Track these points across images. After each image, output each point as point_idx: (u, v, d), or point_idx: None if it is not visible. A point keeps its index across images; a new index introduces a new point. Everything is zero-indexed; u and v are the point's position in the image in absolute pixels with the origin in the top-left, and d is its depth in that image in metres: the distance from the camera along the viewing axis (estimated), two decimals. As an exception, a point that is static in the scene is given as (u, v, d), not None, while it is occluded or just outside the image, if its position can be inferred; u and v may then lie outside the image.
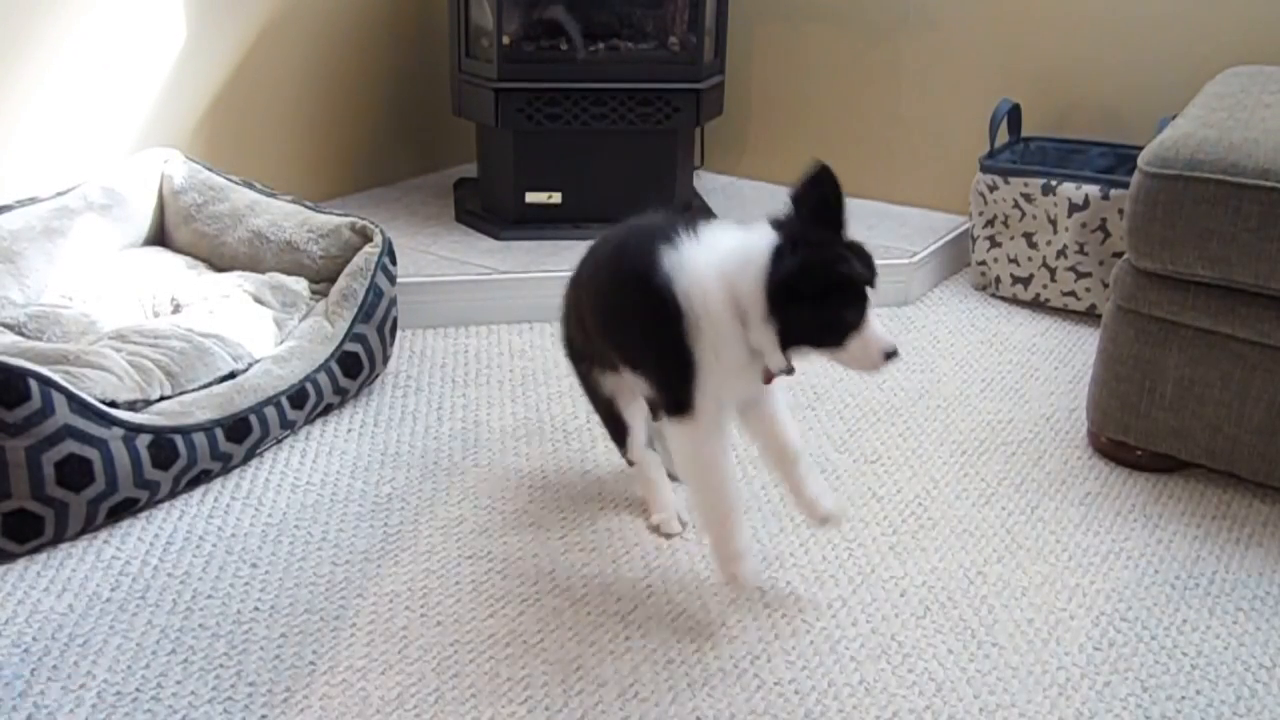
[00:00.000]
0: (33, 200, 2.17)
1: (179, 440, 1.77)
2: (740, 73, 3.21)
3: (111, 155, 2.45)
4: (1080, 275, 2.57)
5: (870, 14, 3.03)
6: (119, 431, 1.69)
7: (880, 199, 3.14)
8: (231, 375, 1.96)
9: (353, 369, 2.09)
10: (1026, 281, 2.67)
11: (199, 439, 1.80)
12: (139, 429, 1.72)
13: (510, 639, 1.52)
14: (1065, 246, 2.57)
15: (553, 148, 2.73)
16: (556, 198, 2.77)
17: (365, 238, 2.24)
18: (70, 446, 1.63)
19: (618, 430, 1.77)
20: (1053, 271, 2.61)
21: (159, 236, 2.40)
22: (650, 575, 1.66)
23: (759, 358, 1.47)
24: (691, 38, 2.74)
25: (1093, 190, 2.51)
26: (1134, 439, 1.94)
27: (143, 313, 2.14)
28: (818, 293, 1.38)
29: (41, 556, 1.65)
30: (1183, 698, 1.44)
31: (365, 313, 2.11)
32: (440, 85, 3.09)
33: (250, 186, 2.40)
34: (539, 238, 2.73)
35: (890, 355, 1.41)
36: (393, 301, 2.19)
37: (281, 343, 2.09)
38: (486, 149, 2.85)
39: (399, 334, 2.41)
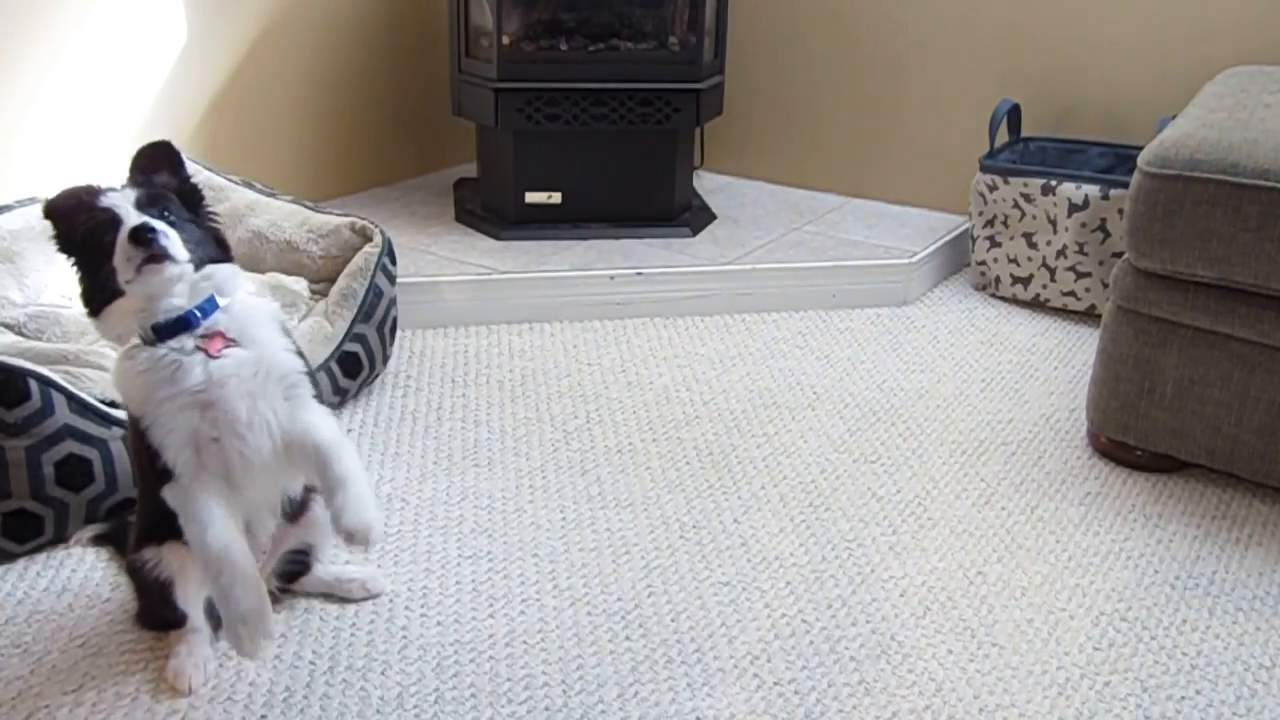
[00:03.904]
0: (33, 200, 2.17)
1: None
2: (740, 73, 3.21)
3: (111, 155, 2.45)
4: (1080, 275, 2.57)
5: (870, 14, 3.03)
6: (119, 431, 1.69)
7: (880, 199, 3.14)
8: (231, 375, 1.95)
9: (352, 369, 2.09)
10: (1026, 281, 2.67)
11: (199, 439, 1.80)
12: (139, 429, 1.72)
13: (510, 639, 1.52)
14: (1065, 246, 2.57)
15: (553, 148, 2.73)
16: (556, 198, 2.77)
17: (365, 238, 2.24)
18: (70, 446, 1.63)
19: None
20: (1053, 271, 2.61)
21: (159, 236, 2.39)
22: (650, 575, 1.66)
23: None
24: (691, 38, 2.74)
25: (1093, 190, 2.51)
26: (1134, 439, 1.94)
27: (143, 313, 2.14)
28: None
29: (41, 556, 1.65)
30: (1183, 698, 1.44)
31: (365, 313, 2.11)
32: (440, 85, 3.09)
33: (250, 186, 2.40)
34: (539, 238, 2.73)
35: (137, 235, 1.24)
36: (393, 301, 2.19)
37: (281, 343, 2.09)
38: (486, 149, 2.85)
39: (399, 334, 2.41)
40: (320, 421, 1.34)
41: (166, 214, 1.30)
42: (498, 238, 2.74)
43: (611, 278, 2.55)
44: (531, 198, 2.77)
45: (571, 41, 2.76)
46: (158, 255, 1.25)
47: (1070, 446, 2.05)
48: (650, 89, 2.69)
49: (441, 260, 2.59)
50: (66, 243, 1.31)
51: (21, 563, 1.64)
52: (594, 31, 2.78)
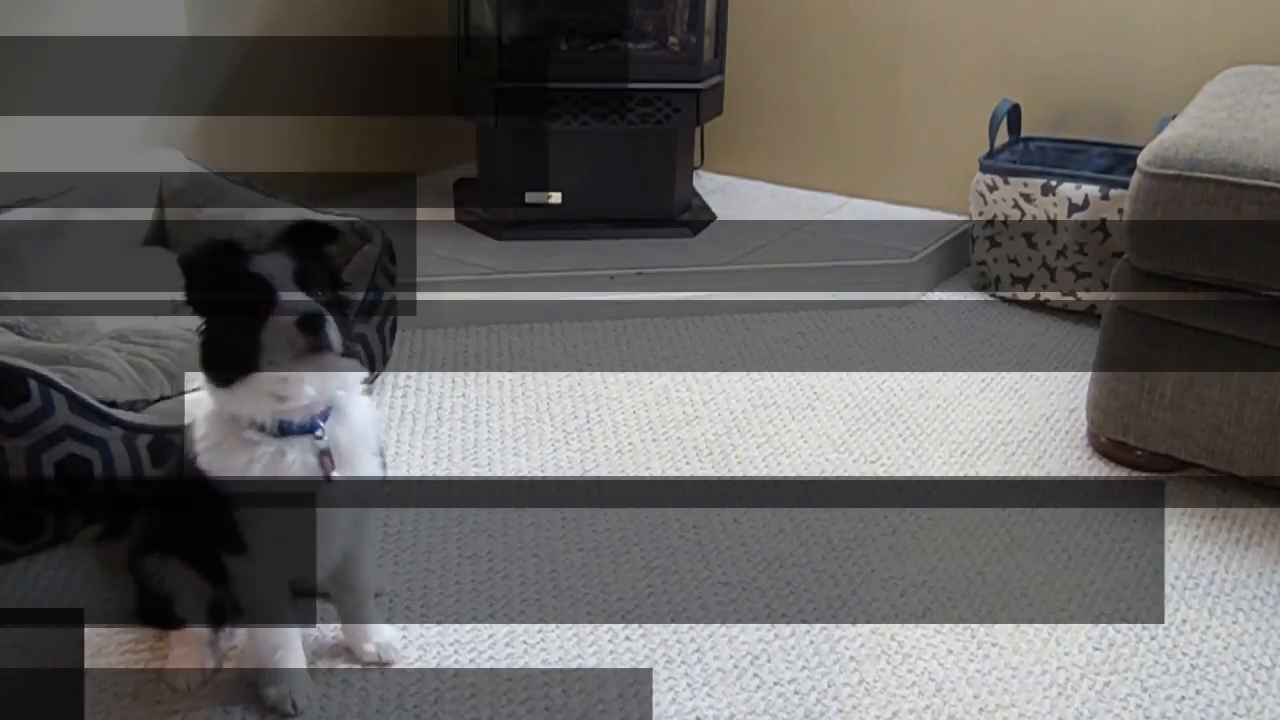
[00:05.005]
0: (33, 200, 2.17)
1: (179, 440, 1.76)
2: (740, 73, 3.21)
3: (111, 155, 2.45)
4: (1080, 275, 2.57)
5: (870, 14, 3.03)
6: (119, 431, 1.68)
7: (880, 199, 3.14)
8: (231, 375, 1.95)
9: (353, 369, 2.09)
10: (1026, 281, 2.67)
11: (199, 439, 1.79)
12: (139, 429, 1.72)
13: (510, 639, 1.52)
14: (1065, 246, 2.57)
15: (553, 148, 2.73)
16: (556, 198, 2.77)
17: (365, 238, 2.24)
18: (70, 446, 1.63)
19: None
20: (1053, 271, 2.61)
21: (159, 236, 2.39)
22: (650, 575, 1.66)
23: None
24: (691, 38, 2.74)
25: (1093, 190, 2.51)
26: (1134, 439, 1.94)
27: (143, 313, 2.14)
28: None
29: (41, 556, 1.65)
30: (1183, 698, 1.44)
31: (365, 313, 2.11)
32: (440, 85, 3.08)
33: (250, 186, 2.40)
34: (539, 238, 2.73)
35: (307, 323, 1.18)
36: (393, 301, 2.19)
37: (281, 343, 2.08)
38: (486, 149, 2.85)
39: (399, 334, 2.41)
40: (368, 550, 1.45)
41: (318, 294, 1.22)
42: (498, 238, 2.73)
43: (611, 278, 2.54)
44: (531, 198, 2.76)
45: (571, 41, 2.76)
46: (322, 346, 1.19)
47: (1070, 446, 2.05)
48: (650, 89, 2.69)
49: (441, 260, 2.59)
50: (199, 300, 1.22)
51: (21, 563, 1.64)
52: (594, 31, 2.78)
